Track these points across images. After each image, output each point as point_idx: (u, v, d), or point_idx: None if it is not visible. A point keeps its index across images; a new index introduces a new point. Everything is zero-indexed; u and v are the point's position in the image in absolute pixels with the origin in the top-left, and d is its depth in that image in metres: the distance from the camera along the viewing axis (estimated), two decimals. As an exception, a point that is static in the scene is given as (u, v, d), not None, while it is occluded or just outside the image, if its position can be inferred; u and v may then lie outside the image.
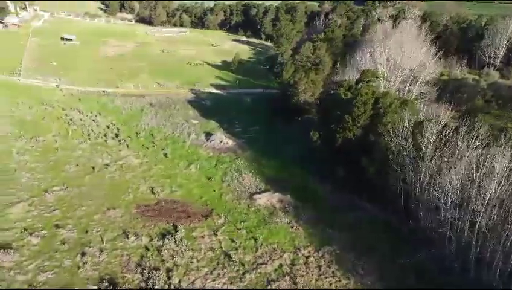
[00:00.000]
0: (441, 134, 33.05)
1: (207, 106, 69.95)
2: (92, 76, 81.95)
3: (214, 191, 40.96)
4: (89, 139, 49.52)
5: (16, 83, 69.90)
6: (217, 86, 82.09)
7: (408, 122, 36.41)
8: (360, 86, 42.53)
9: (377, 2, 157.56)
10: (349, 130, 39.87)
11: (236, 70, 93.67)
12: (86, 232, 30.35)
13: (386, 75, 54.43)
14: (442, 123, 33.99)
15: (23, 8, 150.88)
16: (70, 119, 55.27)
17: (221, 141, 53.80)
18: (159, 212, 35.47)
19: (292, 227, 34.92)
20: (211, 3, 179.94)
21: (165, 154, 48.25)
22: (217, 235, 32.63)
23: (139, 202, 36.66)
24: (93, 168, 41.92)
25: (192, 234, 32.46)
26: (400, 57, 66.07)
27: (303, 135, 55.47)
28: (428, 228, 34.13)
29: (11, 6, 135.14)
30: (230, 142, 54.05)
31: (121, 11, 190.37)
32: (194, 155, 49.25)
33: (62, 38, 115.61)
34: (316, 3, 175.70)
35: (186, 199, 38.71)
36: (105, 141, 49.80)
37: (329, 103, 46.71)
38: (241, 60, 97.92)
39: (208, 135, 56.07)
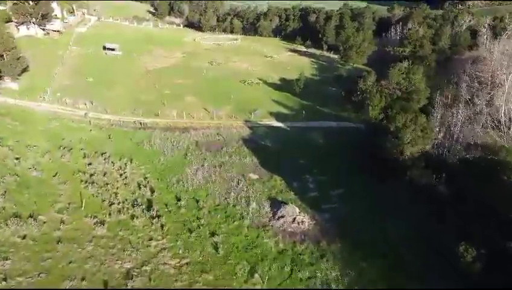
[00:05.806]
0: None
1: (267, 149, 53.76)
2: (130, 97, 68.68)
3: None
4: (109, 214, 34.82)
5: (35, 112, 56.93)
6: (277, 116, 65.78)
7: None
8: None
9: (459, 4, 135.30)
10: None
11: (299, 92, 76.84)
12: None
13: None
14: None
15: (71, 12, 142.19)
16: (90, 175, 40.91)
17: (293, 219, 37.31)
18: None
19: None
20: (264, 5, 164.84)
21: (216, 247, 32.62)
22: None
23: None
24: (105, 284, 26.99)
25: None
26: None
27: (413, 207, 38.17)
28: None
29: (56, 10, 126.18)
30: (306, 221, 37.51)
31: (169, 14, 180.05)
32: (257, 248, 33.17)
33: (104, 48, 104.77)
34: (384, 7, 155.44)
35: None
36: (132, 217, 34.92)
37: (477, 182, 28.80)
38: (305, 79, 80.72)
39: (274, 203, 39.85)
